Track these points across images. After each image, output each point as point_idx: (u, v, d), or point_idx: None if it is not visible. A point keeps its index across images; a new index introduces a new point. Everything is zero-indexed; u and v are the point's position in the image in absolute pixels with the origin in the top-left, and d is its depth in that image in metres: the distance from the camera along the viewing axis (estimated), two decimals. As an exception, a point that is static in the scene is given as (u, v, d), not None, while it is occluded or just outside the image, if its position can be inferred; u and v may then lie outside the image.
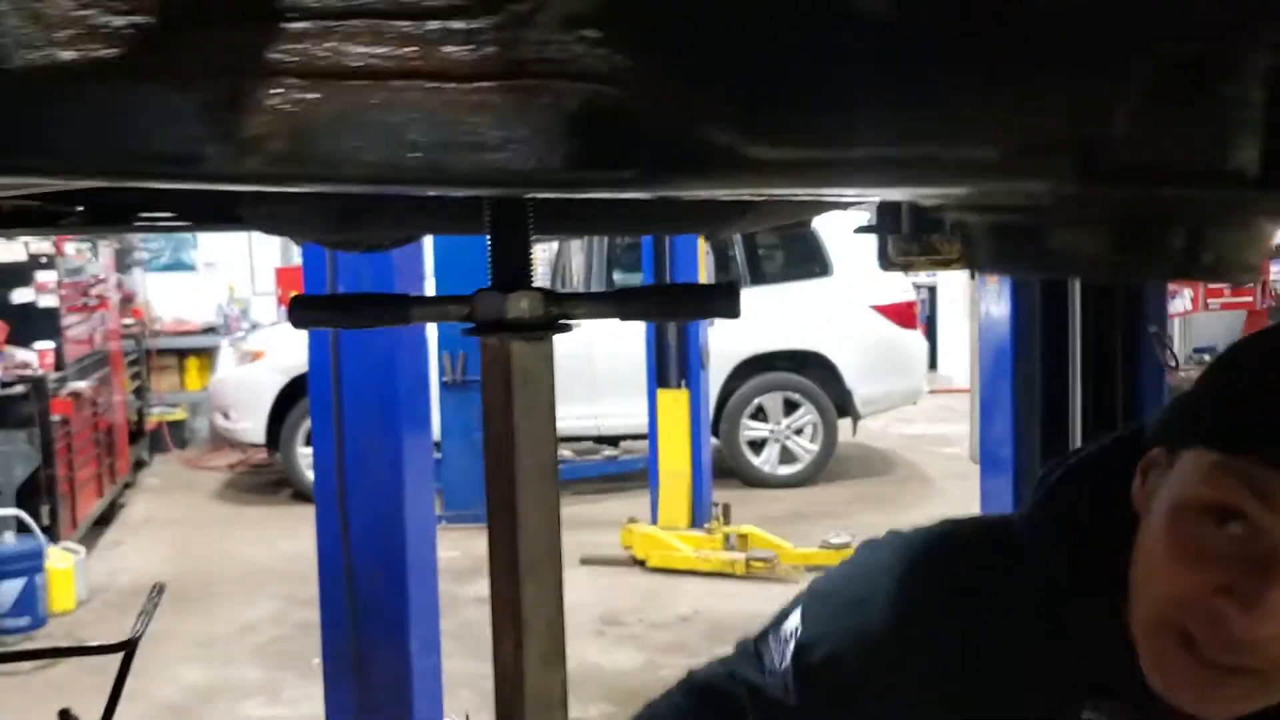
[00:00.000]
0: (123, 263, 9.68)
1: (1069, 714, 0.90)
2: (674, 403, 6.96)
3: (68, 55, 0.43)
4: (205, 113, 0.45)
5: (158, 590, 1.40)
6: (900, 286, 8.64)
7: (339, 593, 3.69)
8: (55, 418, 6.74)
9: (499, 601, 1.00)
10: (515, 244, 0.97)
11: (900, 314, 8.57)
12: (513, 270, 0.97)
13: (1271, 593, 0.76)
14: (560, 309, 0.98)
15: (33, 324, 7.10)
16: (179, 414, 10.71)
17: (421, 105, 0.45)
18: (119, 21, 0.43)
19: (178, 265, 11.43)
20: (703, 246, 7.02)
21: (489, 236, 0.97)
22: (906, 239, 1.73)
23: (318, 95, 0.45)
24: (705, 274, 7.22)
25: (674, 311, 1.06)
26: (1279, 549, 0.76)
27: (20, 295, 7.11)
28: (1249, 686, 0.80)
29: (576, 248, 9.15)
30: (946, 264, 1.77)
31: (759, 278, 8.69)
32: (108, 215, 1.16)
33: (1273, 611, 0.76)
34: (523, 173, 0.46)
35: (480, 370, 0.99)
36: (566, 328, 0.99)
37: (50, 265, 7.24)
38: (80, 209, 1.19)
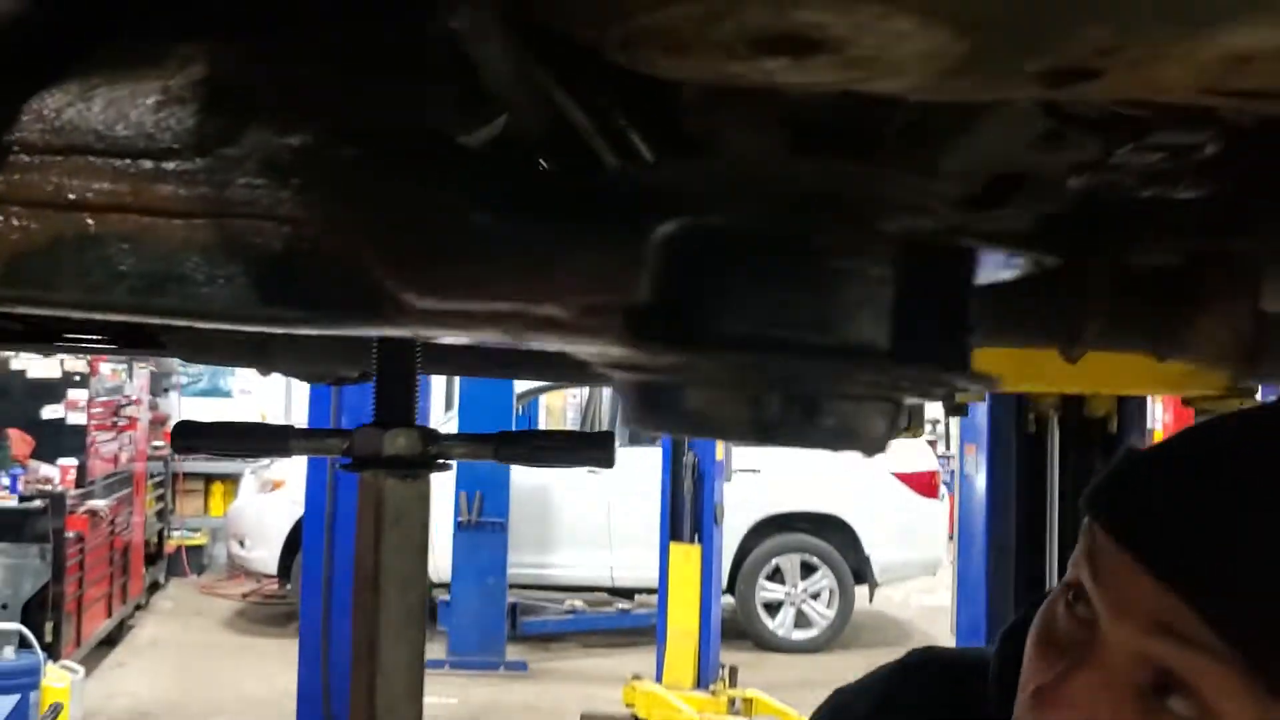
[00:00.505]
0: (158, 386, 9.87)
1: None
2: (686, 558, 6.88)
3: None
4: (-72, 235, 0.47)
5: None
6: (923, 455, 8.58)
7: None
8: (70, 534, 6.78)
9: (353, 740, 0.99)
10: (399, 382, 0.99)
11: (921, 482, 8.49)
12: (395, 407, 0.99)
13: (1065, 685, 0.67)
14: (439, 448, 0.99)
15: (60, 440, 7.22)
16: (200, 539, 10.73)
17: (132, 237, 0.48)
18: None
19: (214, 391, 11.64)
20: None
21: (375, 373, 1.00)
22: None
23: (32, 224, 0.48)
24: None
25: (548, 458, 1.06)
26: (1096, 630, 0.67)
27: (50, 411, 7.26)
28: None
29: (607, 395, 9.21)
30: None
31: (783, 437, 8.68)
32: (39, 334, 1.21)
33: (1058, 703, 0.67)
34: (221, 306, 0.47)
35: (357, 509, 1.00)
36: (445, 467, 1.00)
37: (83, 384, 7.40)
38: (17, 327, 1.23)
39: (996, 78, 0.46)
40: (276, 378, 9.64)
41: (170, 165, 0.48)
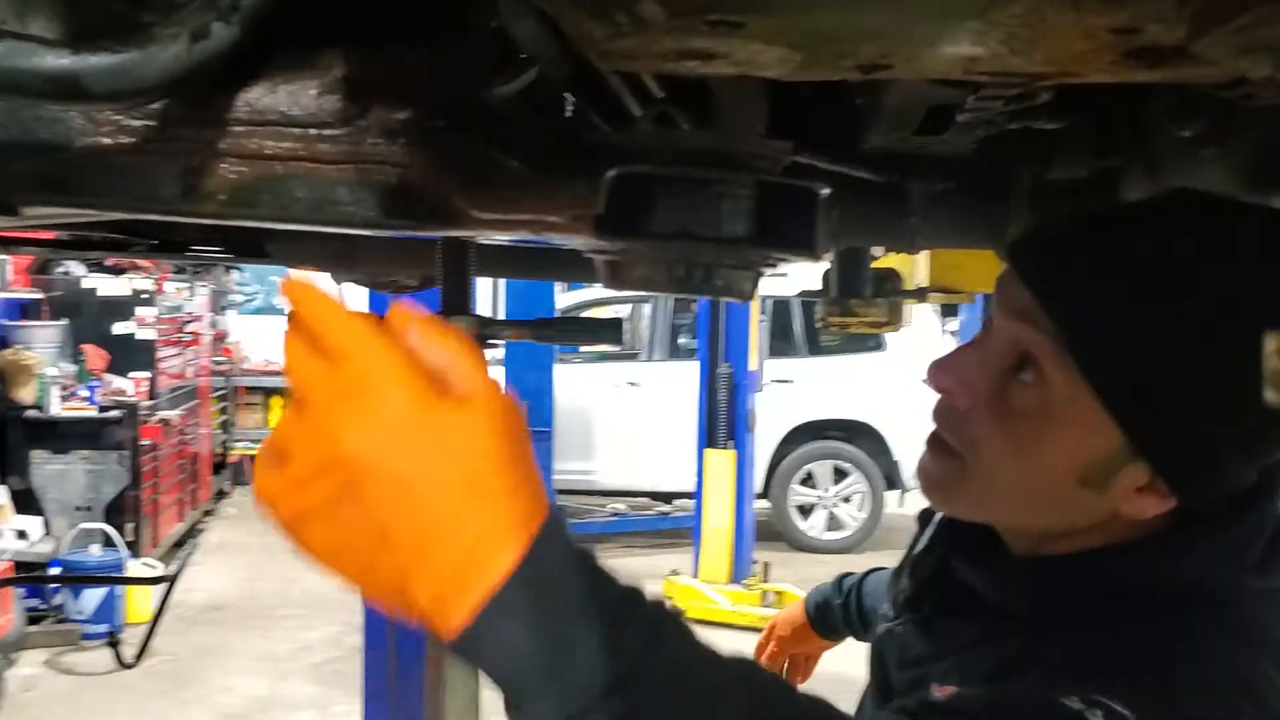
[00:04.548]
0: (218, 304, 10.31)
1: None
2: (721, 462, 7.24)
3: (106, 141, 0.78)
4: (182, 175, 0.79)
5: (192, 545, 1.73)
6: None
7: (379, 620, 4.01)
8: (145, 442, 7.23)
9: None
10: (458, 280, 1.30)
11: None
12: (456, 298, 1.30)
13: (955, 356, 0.93)
14: (489, 330, 1.30)
15: (131, 355, 7.66)
16: (261, 449, 11.25)
17: (303, 176, 0.79)
18: (136, 123, 0.78)
19: (269, 309, 12.09)
20: (755, 316, 7.34)
21: (440, 273, 1.31)
22: (830, 303, 2.01)
23: (245, 169, 0.79)
24: (756, 342, 7.51)
25: (571, 336, 1.36)
26: (989, 327, 0.93)
27: (121, 327, 7.69)
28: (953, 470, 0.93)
29: (645, 314, 9.51)
30: (876, 325, 2.04)
31: (816, 349, 8.96)
32: (167, 247, 1.53)
33: (946, 365, 0.94)
34: (360, 218, 0.79)
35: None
36: (495, 346, 1.31)
37: (150, 302, 7.81)
38: (152, 242, 1.55)
39: (829, 69, 0.75)
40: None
41: (326, 132, 0.79)
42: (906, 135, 1.23)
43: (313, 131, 0.79)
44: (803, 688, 0.78)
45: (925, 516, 1.15)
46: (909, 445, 8.66)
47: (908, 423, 8.66)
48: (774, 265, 0.77)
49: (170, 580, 1.67)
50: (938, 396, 0.98)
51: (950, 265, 2.34)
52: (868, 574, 1.70)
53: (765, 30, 0.64)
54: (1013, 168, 1.50)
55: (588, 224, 0.67)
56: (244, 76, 0.79)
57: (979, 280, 2.42)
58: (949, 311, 8.42)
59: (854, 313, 1.97)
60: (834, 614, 1.70)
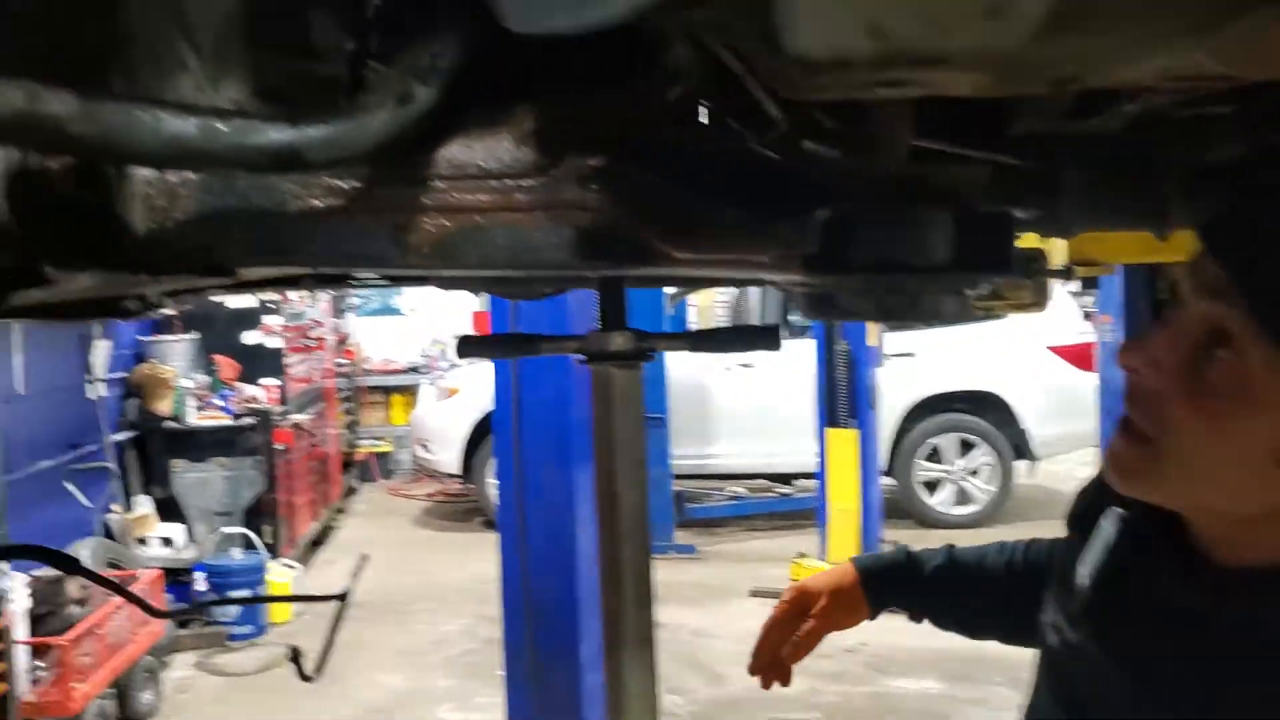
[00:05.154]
0: (337, 308, 10.58)
1: None
2: (843, 441, 7.19)
3: (317, 203, 0.81)
4: (390, 232, 0.82)
5: (364, 558, 1.80)
6: (1077, 328, 8.57)
7: (519, 612, 4.09)
8: (278, 447, 7.48)
9: (604, 562, 1.35)
10: (615, 296, 1.32)
11: (1077, 355, 8.49)
12: (614, 315, 1.32)
13: (1145, 338, 0.92)
14: (648, 344, 1.33)
15: (260, 363, 7.93)
16: (385, 446, 11.57)
17: (503, 226, 0.82)
18: (344, 185, 0.81)
19: (386, 310, 12.37)
20: (870, 290, 7.25)
21: (598, 291, 1.33)
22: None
23: (447, 222, 0.82)
24: (874, 316, 7.43)
25: (728, 346, 1.37)
26: (1180, 306, 0.93)
27: (250, 337, 7.96)
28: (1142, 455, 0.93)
29: (754, 291, 9.49)
30: (1022, 307, 2.01)
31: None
32: (329, 278, 1.58)
33: (1134, 348, 0.93)
34: (557, 261, 0.81)
35: (590, 391, 1.34)
36: (651, 357, 1.34)
37: (276, 310, 8.06)
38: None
39: (1018, 87, 0.75)
40: (440, 296, 10.09)
41: (523, 182, 0.81)
42: (1056, 119, 1.22)
43: (509, 182, 0.81)
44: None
45: (1078, 518, 1.14)
46: (1035, 413, 8.48)
47: (1034, 390, 8.49)
48: (974, 287, 0.78)
49: (343, 598, 1.74)
50: (1124, 374, 0.97)
51: (1090, 238, 2.30)
52: (951, 552, 1.55)
53: (968, 63, 0.65)
54: (1169, 148, 1.46)
55: (795, 262, 0.69)
56: (440, 134, 0.82)
57: (1120, 251, 2.37)
58: (1089, 285, 8.20)
59: (1001, 295, 1.95)
60: (896, 587, 1.53)
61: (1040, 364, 8.54)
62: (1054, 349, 8.53)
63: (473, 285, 1.53)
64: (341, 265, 0.84)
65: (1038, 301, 2.06)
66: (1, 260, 0.72)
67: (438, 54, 0.75)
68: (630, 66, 0.84)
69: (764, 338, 1.27)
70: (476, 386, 8.74)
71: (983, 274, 0.69)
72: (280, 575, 6.97)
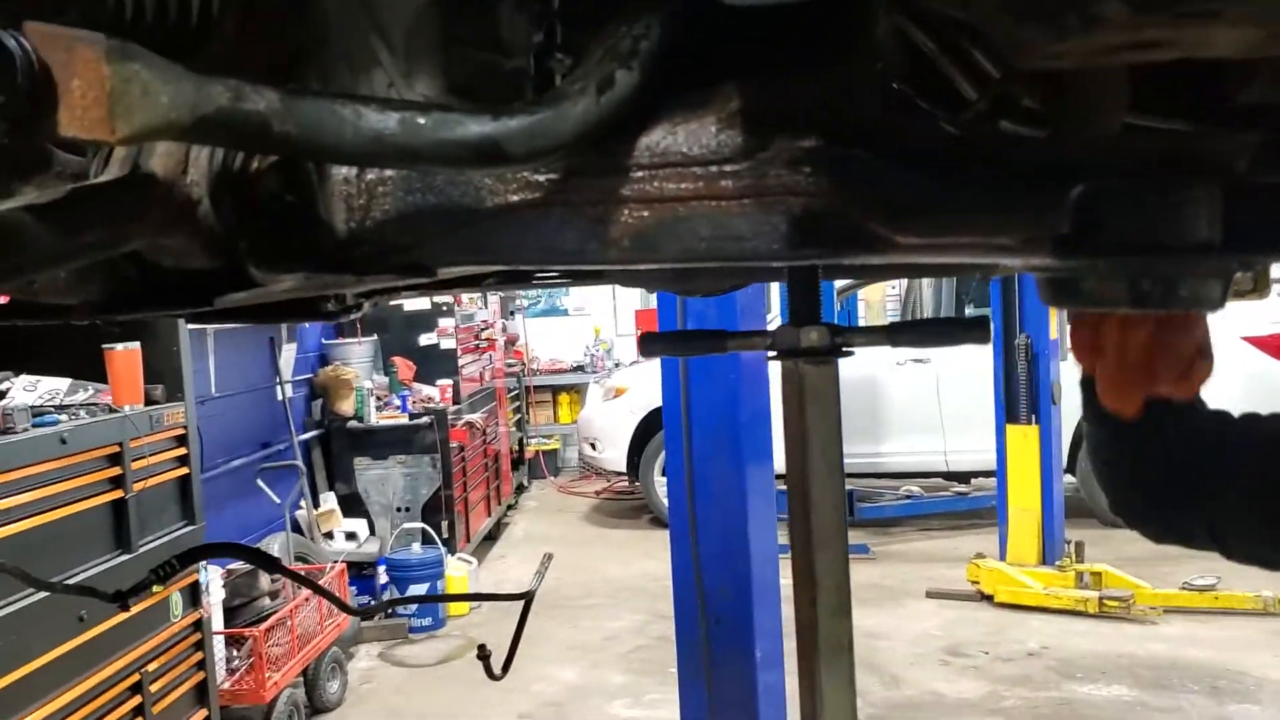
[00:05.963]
0: (506, 309, 10.79)
1: None
2: (1023, 439, 6.91)
3: (514, 198, 0.79)
4: (587, 225, 0.79)
5: (548, 557, 1.79)
6: (1273, 317, 8.04)
7: (691, 610, 4.06)
8: (453, 445, 7.66)
9: (797, 567, 1.29)
10: (807, 289, 1.26)
11: (1275, 345, 7.98)
12: (805, 309, 1.26)
13: None
14: (842, 339, 1.26)
15: (434, 363, 8.14)
16: (553, 444, 11.75)
17: (706, 215, 0.77)
18: (541, 178, 0.78)
19: (552, 311, 12.56)
20: (1050, 280, 6.94)
21: (787, 284, 1.27)
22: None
23: (646, 213, 0.78)
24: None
25: (932, 340, 1.30)
26: None
27: (425, 339, 8.19)
28: None
29: (926, 284, 9.24)
30: (1241, 295, 1.84)
31: (1117, 310, 8.40)
32: (514, 276, 1.57)
33: None
34: (765, 251, 0.76)
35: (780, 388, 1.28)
36: (848, 353, 1.27)
37: (450, 313, 8.27)
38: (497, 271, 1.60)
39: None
40: (605, 297, 10.22)
41: (728, 168, 0.77)
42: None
43: (714, 169, 0.77)
44: None
45: None
46: (1230, 405, 7.96)
47: (1225, 382, 8.00)
48: (1246, 269, 0.70)
49: (528, 597, 1.75)
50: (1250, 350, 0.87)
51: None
52: None
53: (1241, 14, 0.57)
54: None
55: (1043, 245, 0.62)
56: (641, 120, 0.78)
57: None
58: (1289, 273, 7.69)
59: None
60: None
61: (1234, 355, 8.03)
62: (1249, 339, 8.02)
63: (654, 281, 1.49)
64: (536, 261, 0.82)
65: (1258, 289, 1.89)
66: (209, 263, 0.71)
67: (640, 35, 0.71)
68: (836, 44, 0.78)
69: (973, 330, 1.19)
70: (642, 386, 8.78)
71: (1258, 254, 0.61)
72: (457, 570, 7.13)
